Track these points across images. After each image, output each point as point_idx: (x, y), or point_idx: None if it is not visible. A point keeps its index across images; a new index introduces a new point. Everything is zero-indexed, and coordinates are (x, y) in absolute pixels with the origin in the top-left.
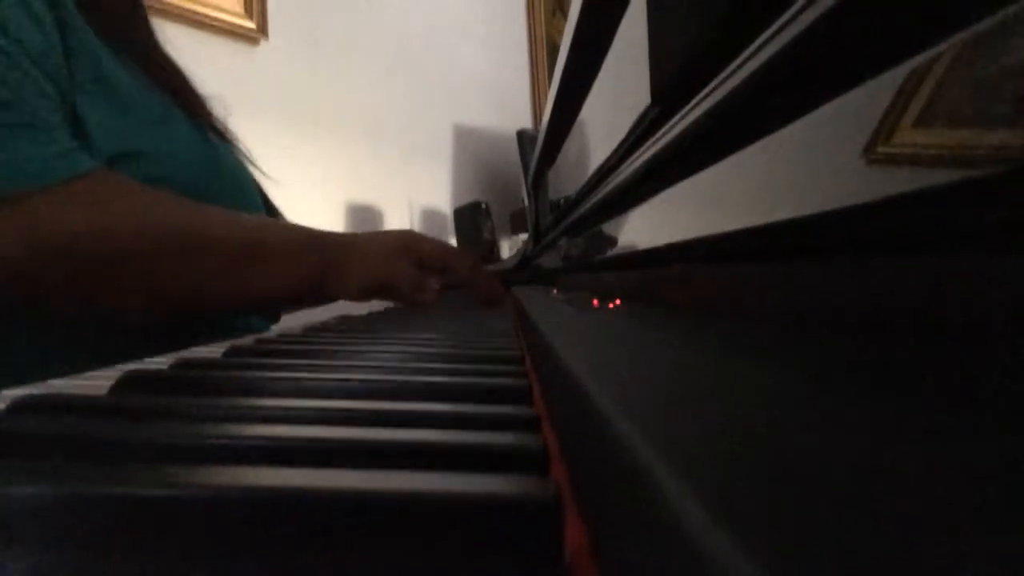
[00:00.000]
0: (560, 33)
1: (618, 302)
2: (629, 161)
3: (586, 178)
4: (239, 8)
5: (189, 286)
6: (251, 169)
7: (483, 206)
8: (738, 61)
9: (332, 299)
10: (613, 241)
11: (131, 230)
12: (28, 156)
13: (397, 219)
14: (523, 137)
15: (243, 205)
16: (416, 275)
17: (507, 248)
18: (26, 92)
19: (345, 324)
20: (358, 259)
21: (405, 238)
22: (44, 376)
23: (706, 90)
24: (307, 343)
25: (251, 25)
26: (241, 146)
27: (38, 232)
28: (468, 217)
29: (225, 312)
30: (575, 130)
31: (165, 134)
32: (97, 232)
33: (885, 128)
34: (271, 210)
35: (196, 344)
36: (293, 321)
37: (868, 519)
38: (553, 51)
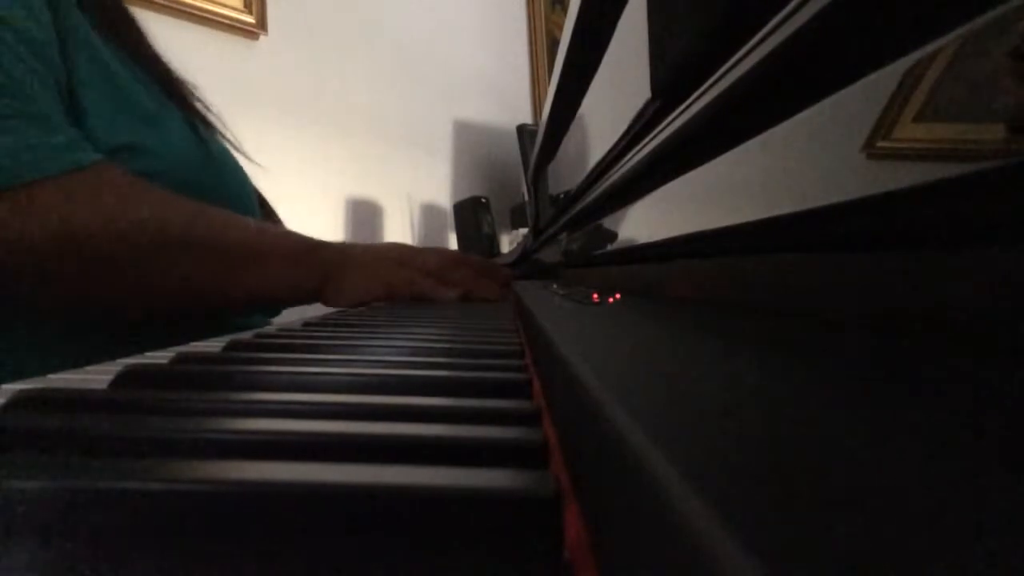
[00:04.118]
0: (560, 27)
1: (618, 296)
2: (629, 155)
3: (586, 173)
4: (238, 3)
5: (185, 282)
6: (245, 165)
7: (483, 201)
8: (740, 54)
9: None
10: (613, 236)
11: (133, 223)
12: (37, 145)
13: (397, 214)
14: (523, 132)
15: (237, 202)
16: (414, 275)
17: (507, 243)
18: (31, 83)
19: (344, 318)
20: (351, 269)
21: (399, 248)
22: (43, 371)
23: (707, 84)
24: (306, 337)
25: (250, 20)
26: (231, 138)
27: (42, 222)
28: (468, 212)
29: (220, 310)
30: (575, 124)
31: (159, 129)
32: (99, 223)
33: (886, 123)
34: (267, 210)
35: (195, 339)
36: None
37: (868, 516)
38: (553, 45)
